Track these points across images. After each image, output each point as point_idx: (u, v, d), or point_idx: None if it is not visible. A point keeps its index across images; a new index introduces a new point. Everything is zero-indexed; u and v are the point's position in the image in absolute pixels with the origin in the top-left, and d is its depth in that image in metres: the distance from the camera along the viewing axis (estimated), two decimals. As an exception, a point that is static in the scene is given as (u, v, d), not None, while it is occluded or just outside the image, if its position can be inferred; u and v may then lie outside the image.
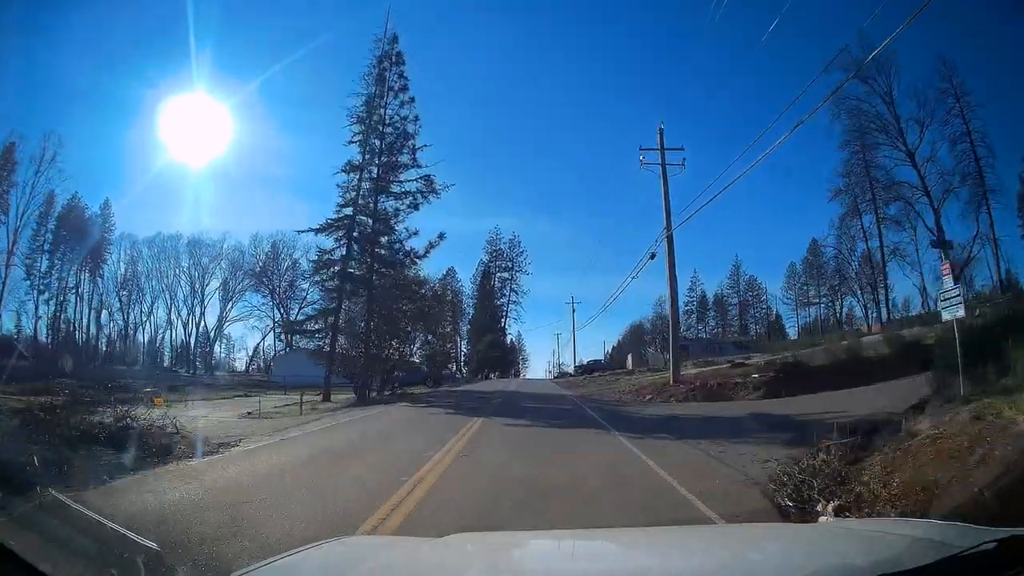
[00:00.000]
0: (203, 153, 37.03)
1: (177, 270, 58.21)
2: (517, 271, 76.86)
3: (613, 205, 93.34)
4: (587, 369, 52.87)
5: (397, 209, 27.60)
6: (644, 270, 27.01)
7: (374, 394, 24.68)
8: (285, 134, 61.70)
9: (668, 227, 22.40)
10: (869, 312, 48.99)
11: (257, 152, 57.60)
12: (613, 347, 78.32)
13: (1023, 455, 4.15)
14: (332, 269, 26.81)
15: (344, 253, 26.59)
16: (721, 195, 18.10)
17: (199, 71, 27.48)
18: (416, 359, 41.07)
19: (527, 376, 78.47)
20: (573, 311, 62.88)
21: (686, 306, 74.28)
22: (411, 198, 27.29)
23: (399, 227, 27.60)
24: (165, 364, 57.23)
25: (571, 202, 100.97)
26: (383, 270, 27.43)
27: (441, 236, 27.62)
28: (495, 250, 76.57)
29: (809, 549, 1.87)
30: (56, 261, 48.41)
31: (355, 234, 26.81)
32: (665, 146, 23.22)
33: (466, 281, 75.26)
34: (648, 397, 19.73)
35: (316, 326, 27.71)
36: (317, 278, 28.56)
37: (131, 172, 67.79)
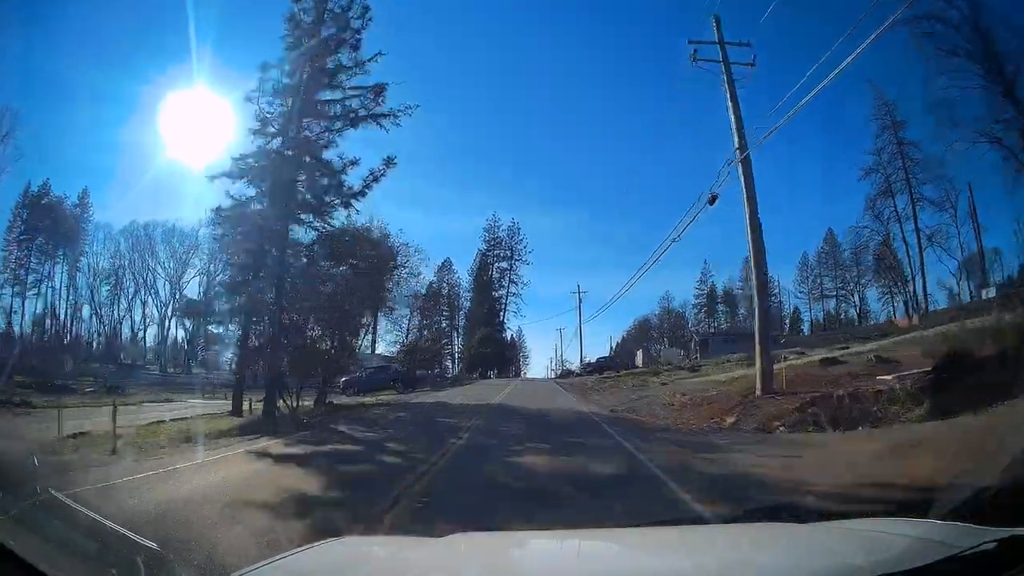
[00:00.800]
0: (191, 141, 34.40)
1: (153, 261, 54.18)
2: (517, 260, 70.47)
3: (619, 197, 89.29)
4: (596, 367, 45.77)
5: (328, 129, 18.93)
6: (654, 263, 21.93)
7: (307, 403, 18.10)
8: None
9: (741, 145, 15.26)
10: (909, 301, 44.20)
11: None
12: (617, 343, 75.60)
13: None
14: (244, 226, 18.34)
15: (268, 202, 18.38)
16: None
17: (199, 66, 23.06)
18: (390, 354, 36.11)
19: (528, 375, 74.04)
20: (579, 301, 54.10)
21: (696, 299, 71.63)
22: (349, 118, 18.89)
23: (330, 155, 18.80)
24: (152, 363, 54.78)
25: (575, 193, 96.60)
26: (304, 217, 18.87)
27: (389, 162, 18.73)
28: (493, 238, 70.21)
29: (809, 549, 1.88)
30: (25, 251, 46.92)
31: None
32: (725, 40, 16.02)
33: (464, 275, 70.64)
34: (731, 420, 12.11)
35: (225, 306, 19.29)
36: (227, 237, 19.74)
37: (98, 156, 65.34)
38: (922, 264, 41.26)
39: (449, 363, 66.54)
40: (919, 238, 40.14)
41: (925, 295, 41.33)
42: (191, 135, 27.60)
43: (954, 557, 1.32)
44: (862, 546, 1.75)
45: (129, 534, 2.23)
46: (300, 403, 17.17)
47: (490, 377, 56.30)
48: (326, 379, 19.74)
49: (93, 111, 62.89)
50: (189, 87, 23.20)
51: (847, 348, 21.61)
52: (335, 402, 20.10)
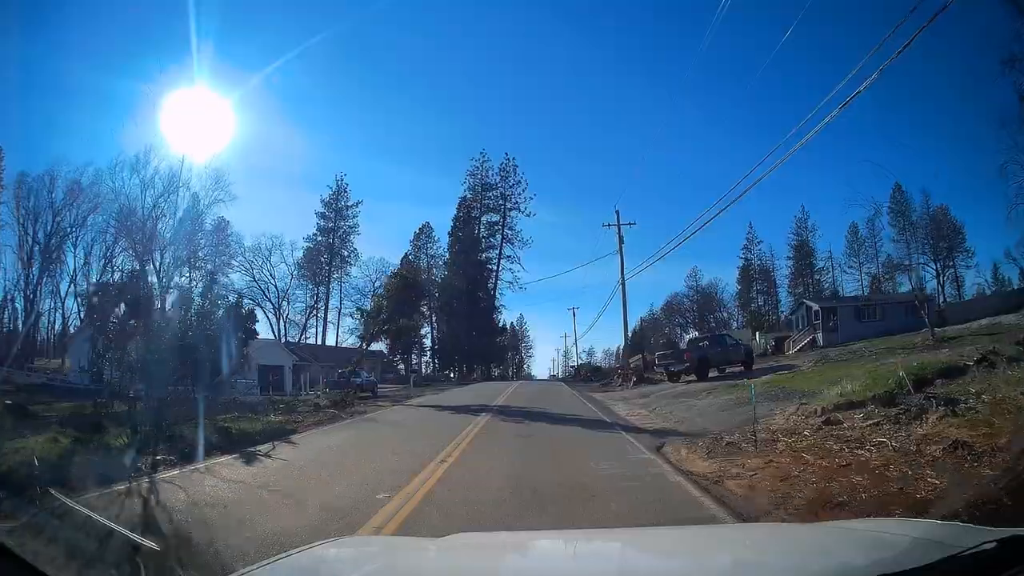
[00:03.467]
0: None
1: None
2: (513, 209, 51.67)
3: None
4: (695, 362, 21.87)
5: None
6: (739, 197, 15.38)
7: None
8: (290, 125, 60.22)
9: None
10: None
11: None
12: (634, 331, 68.74)
13: None
14: None
15: None
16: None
17: (200, 66, 23.58)
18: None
19: (533, 374, 60.31)
20: (620, 239, 30.05)
21: (739, 272, 61.55)
22: None
23: None
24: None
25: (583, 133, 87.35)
26: None
27: None
28: (481, 184, 52.07)
29: (810, 549, 1.91)
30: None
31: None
32: None
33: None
34: None
35: None
36: None
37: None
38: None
39: (429, 356, 52.26)
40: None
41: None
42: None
43: (954, 557, 1.35)
44: (862, 546, 1.79)
45: (129, 534, 2.20)
46: None
47: (475, 379, 42.39)
48: None
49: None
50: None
51: None
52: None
